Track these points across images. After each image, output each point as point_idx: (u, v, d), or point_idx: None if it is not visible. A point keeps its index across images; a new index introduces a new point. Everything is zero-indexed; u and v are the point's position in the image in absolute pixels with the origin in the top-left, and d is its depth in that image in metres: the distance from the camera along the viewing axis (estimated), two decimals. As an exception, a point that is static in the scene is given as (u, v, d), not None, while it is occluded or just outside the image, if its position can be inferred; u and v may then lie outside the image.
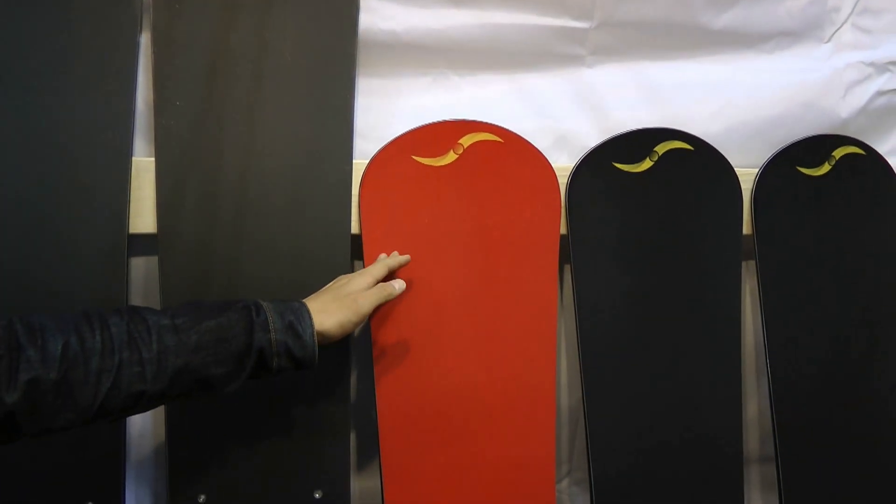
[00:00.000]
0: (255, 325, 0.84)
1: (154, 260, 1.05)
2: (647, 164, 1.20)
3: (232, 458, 1.07)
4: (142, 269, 1.10)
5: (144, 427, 1.13)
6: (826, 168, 1.28)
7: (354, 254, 1.11)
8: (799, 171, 1.27)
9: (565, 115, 1.23)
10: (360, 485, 1.22)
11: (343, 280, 0.98)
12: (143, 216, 1.04)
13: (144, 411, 0.80)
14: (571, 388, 1.27)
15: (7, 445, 0.73)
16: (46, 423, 0.73)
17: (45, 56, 1.00)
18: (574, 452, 1.30)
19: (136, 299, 1.10)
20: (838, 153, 1.28)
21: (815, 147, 1.28)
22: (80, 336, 0.74)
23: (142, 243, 1.07)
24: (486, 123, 1.14)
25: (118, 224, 1.02)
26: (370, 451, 1.17)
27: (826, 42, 1.32)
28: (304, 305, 0.89)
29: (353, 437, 1.12)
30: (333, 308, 0.92)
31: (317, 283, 1.04)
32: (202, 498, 1.06)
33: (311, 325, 0.87)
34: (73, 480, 1.02)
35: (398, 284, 1.01)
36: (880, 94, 1.33)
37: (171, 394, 0.80)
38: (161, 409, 1.07)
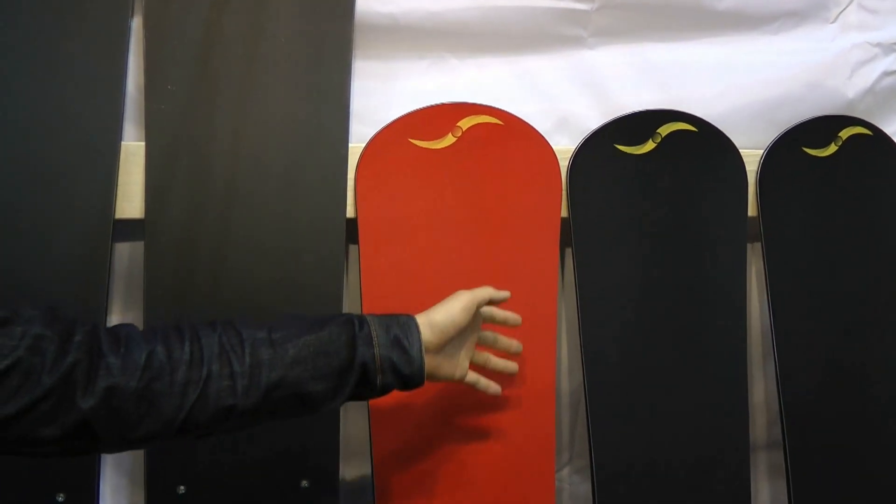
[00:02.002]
0: (357, 340, 0.81)
1: (139, 246, 1.04)
2: (649, 145, 1.18)
3: (213, 445, 1.03)
4: (126, 254, 1.09)
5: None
6: (832, 149, 1.26)
7: (349, 238, 1.10)
8: (805, 152, 1.25)
9: (566, 97, 1.22)
10: (350, 474, 1.20)
11: None
12: (131, 201, 1.03)
13: (242, 430, 0.79)
14: (572, 373, 1.26)
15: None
16: (127, 433, 0.72)
17: (35, 39, 0.99)
18: (575, 439, 1.29)
19: (119, 285, 1.09)
20: (845, 134, 1.27)
21: (821, 128, 1.26)
22: (168, 346, 0.74)
23: (128, 229, 1.05)
24: (486, 106, 1.14)
25: (104, 208, 1.01)
26: (360, 437, 1.14)
27: (832, 23, 1.31)
28: (412, 318, 0.86)
29: (341, 422, 1.09)
30: (438, 307, 0.90)
31: (310, 267, 1.04)
32: (181, 489, 1.03)
33: (419, 340, 0.84)
34: (44, 472, 0.99)
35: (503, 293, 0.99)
36: (887, 74, 1.32)
37: (266, 410, 0.77)
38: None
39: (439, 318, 0.88)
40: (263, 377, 0.76)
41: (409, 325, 0.85)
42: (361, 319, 0.83)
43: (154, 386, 0.72)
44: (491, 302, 0.97)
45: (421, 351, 0.84)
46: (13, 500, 0.99)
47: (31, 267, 0.99)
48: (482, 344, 1.00)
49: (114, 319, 1.09)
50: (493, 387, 1.00)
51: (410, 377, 0.84)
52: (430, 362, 0.87)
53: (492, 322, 1.00)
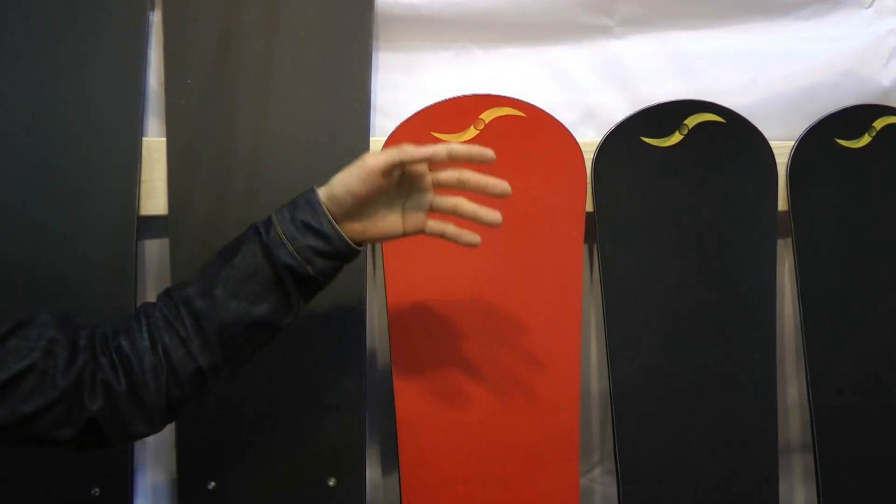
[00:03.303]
0: (269, 246, 0.78)
1: (166, 242, 1.05)
2: (676, 137, 1.16)
3: (242, 443, 1.06)
4: (155, 251, 1.10)
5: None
6: (866, 140, 1.23)
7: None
8: (837, 144, 1.22)
9: (592, 88, 1.20)
10: (376, 472, 1.20)
11: None
12: (155, 198, 1.04)
13: (228, 380, 0.81)
14: (601, 371, 1.25)
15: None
16: (127, 429, 0.76)
17: (55, 34, 1.00)
18: (605, 439, 1.28)
19: (149, 283, 1.10)
20: (879, 124, 1.24)
21: (854, 118, 1.23)
22: (130, 338, 0.77)
23: (154, 225, 1.06)
24: (509, 98, 1.12)
25: (128, 206, 1.02)
26: (386, 436, 1.15)
27: (867, 7, 1.27)
28: (313, 192, 0.80)
29: (368, 421, 1.10)
30: (339, 174, 0.81)
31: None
32: (212, 485, 1.05)
33: (326, 213, 0.79)
34: (80, 466, 1.01)
35: (421, 151, 0.81)
36: (924, 62, 1.29)
37: (230, 353, 0.79)
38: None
39: (336, 188, 0.80)
40: (209, 328, 0.77)
41: (311, 200, 0.80)
42: (267, 223, 0.80)
43: (131, 378, 0.75)
44: (402, 163, 0.81)
45: (331, 223, 0.79)
46: (49, 494, 1.02)
47: (58, 266, 1.00)
48: (446, 186, 0.85)
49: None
50: (464, 235, 0.85)
51: (336, 253, 0.80)
52: (352, 228, 0.81)
53: (463, 216, 0.85)
